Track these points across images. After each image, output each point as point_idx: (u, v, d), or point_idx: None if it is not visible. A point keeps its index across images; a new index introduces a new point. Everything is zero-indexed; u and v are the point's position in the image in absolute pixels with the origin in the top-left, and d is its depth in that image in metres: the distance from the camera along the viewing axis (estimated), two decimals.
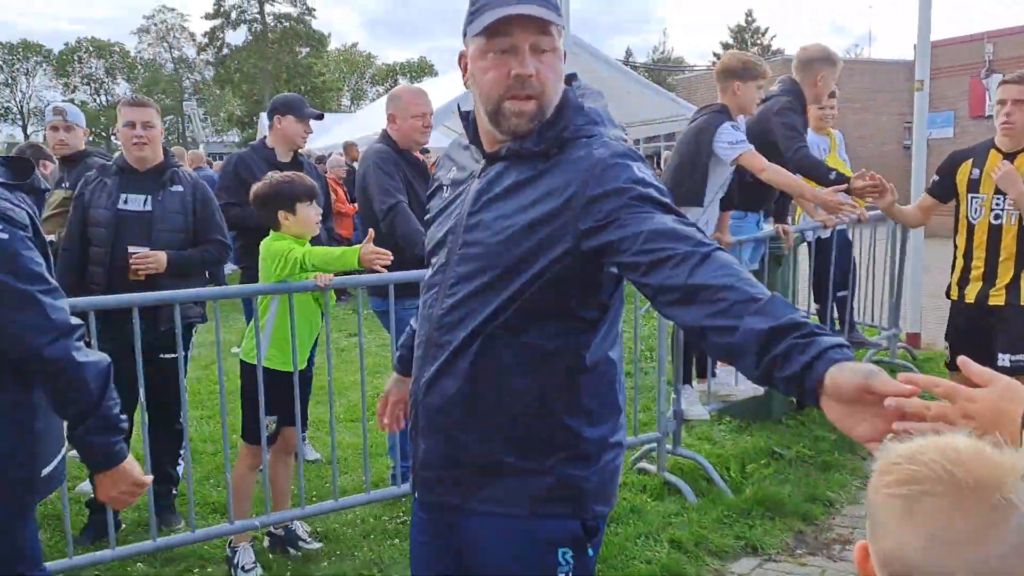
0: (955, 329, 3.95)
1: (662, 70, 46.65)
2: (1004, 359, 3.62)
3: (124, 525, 3.74)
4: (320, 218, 3.42)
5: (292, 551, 3.49)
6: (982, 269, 3.75)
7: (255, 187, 3.37)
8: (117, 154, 3.92)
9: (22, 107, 57.54)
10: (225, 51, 55.63)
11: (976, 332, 3.77)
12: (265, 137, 4.52)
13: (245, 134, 50.80)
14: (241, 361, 3.39)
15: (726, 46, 54.01)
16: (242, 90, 54.59)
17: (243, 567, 3.31)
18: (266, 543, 3.55)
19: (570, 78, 1.69)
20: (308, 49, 56.55)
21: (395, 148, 3.96)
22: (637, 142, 15.01)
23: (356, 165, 10.45)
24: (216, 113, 59.23)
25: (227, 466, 3.39)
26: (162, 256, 3.59)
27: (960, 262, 3.87)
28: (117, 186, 3.67)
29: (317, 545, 3.52)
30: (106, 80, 60.00)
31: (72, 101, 53.89)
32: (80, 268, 3.70)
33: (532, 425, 1.59)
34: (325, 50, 58.82)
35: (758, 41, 54.07)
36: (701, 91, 22.36)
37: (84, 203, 3.71)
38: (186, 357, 3.67)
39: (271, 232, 3.34)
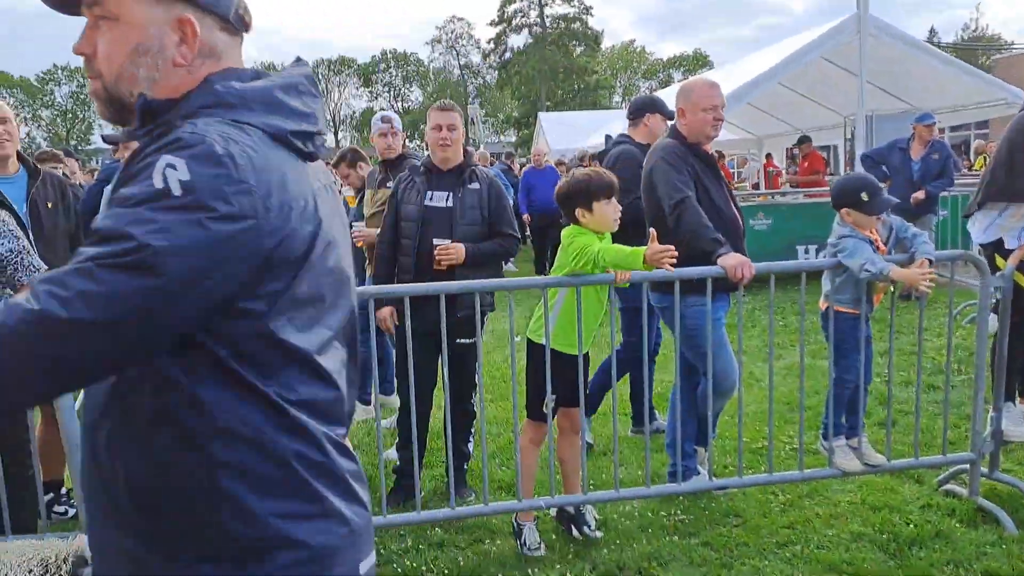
0: None
1: (974, 48, 41.50)
2: None
3: (423, 493, 4.10)
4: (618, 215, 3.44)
5: (576, 532, 3.61)
6: None
7: (560, 183, 3.52)
8: (425, 155, 4.29)
9: (334, 115, 65.11)
10: (507, 55, 58.71)
11: None
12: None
13: (521, 134, 53.24)
14: (528, 340, 3.56)
15: None
16: (520, 92, 57.26)
17: (529, 546, 3.49)
18: (553, 512, 3.70)
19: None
20: (583, 48, 57.93)
21: (684, 142, 3.92)
22: (942, 130, 13.51)
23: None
24: (495, 115, 62.67)
25: (516, 446, 3.58)
26: (462, 248, 3.88)
27: None
28: (425, 184, 4.03)
29: (600, 534, 3.61)
30: (403, 88, 65.99)
31: (372, 108, 59.87)
32: (392, 259, 4.12)
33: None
34: (599, 48, 59.87)
35: None
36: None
37: (397, 201, 4.12)
38: (477, 343, 3.93)
39: (572, 224, 3.47)
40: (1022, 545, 3.34)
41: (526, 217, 11.91)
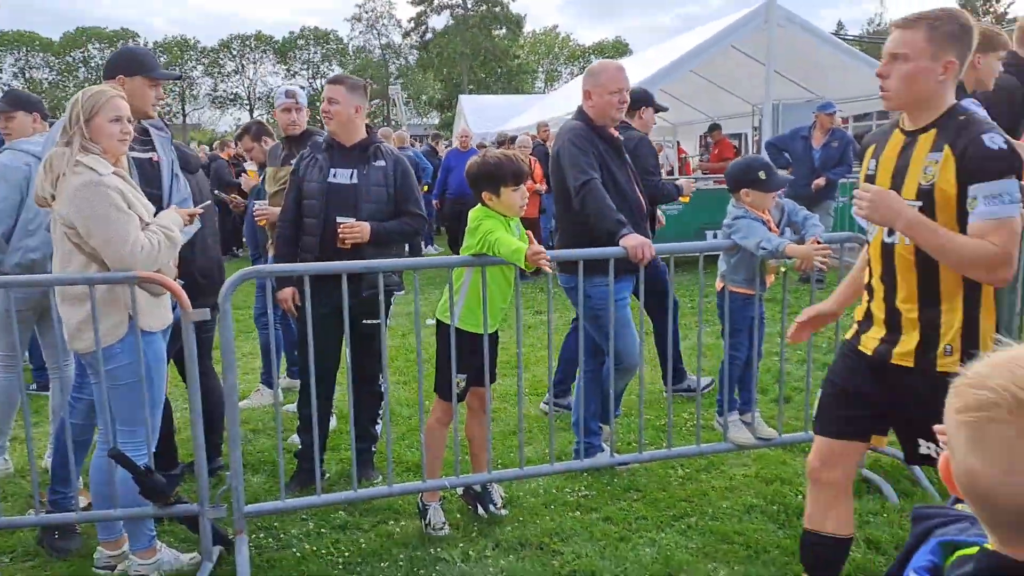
0: (833, 386, 2.62)
1: (878, 42, 43.24)
2: (928, 448, 2.43)
3: (328, 475, 4.06)
4: (524, 201, 3.44)
5: (482, 511, 3.63)
6: (883, 313, 2.48)
7: (471, 162, 3.48)
8: (326, 132, 4.19)
9: (249, 92, 63.25)
10: (428, 36, 58.13)
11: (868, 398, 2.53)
12: None
13: (444, 116, 52.89)
14: (437, 321, 3.55)
15: None
16: (442, 74, 56.84)
17: (433, 526, 3.49)
18: (459, 492, 3.72)
19: None
20: (505, 31, 57.85)
21: (590, 124, 3.95)
22: (846, 120, 14.03)
23: (548, 145, 10.60)
24: (418, 96, 62.05)
25: (421, 428, 3.57)
26: (367, 226, 3.81)
27: (864, 296, 2.61)
28: (327, 161, 3.95)
29: (505, 512, 3.64)
30: (322, 66, 64.55)
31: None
32: (294, 239, 4.00)
33: None
34: (521, 32, 59.89)
35: (991, 8, 48.72)
36: None
37: (299, 178, 4.01)
38: (383, 323, 3.90)
39: (479, 205, 3.45)
40: (902, 514, 3.53)
41: (436, 203, 11.54)
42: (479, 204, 3.43)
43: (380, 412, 4.23)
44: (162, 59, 56.44)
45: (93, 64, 55.86)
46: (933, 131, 2.33)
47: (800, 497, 3.69)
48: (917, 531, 1.11)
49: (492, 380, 3.56)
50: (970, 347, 2.32)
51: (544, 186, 9.68)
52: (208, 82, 62.53)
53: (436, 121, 56.30)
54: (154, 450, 3.12)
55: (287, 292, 3.98)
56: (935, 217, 2.29)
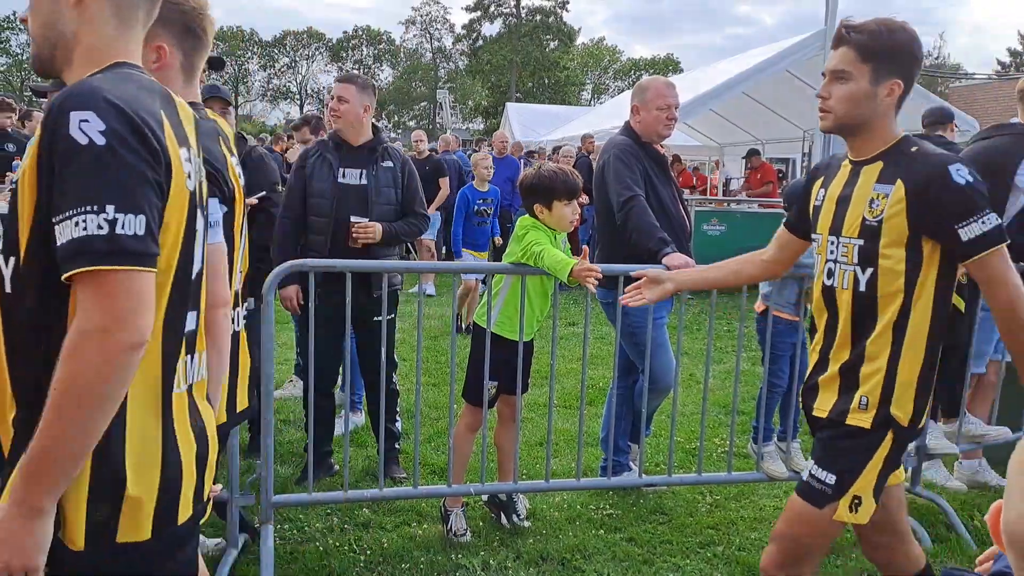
0: None
1: (935, 75, 42.56)
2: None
3: (334, 469, 4.07)
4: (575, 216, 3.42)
5: (505, 521, 3.61)
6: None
7: (526, 173, 3.47)
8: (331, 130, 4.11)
9: (301, 88, 64.13)
10: (479, 43, 58.45)
11: None
12: None
13: (489, 123, 53.10)
14: (474, 323, 3.55)
15: (1014, 54, 48.25)
16: (490, 81, 57.09)
17: (455, 532, 3.48)
18: (484, 499, 3.70)
19: None
20: (556, 43, 57.97)
21: (637, 140, 3.92)
22: None
23: (592, 158, 10.58)
24: (464, 102, 62.40)
25: (450, 432, 3.56)
26: (378, 227, 3.83)
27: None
28: (337, 160, 3.92)
29: (528, 523, 3.61)
30: (373, 66, 65.24)
31: None
32: (297, 235, 3.94)
33: None
34: (573, 44, 59.97)
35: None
36: (981, 101, 20.15)
37: (306, 175, 3.93)
38: (393, 320, 3.91)
39: (528, 215, 3.45)
40: (936, 559, 3.43)
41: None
42: (528, 215, 3.43)
43: (398, 409, 4.25)
44: (218, 48, 57.64)
45: None
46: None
47: None
48: None
49: (524, 390, 3.54)
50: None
51: (585, 198, 9.65)
52: (261, 75, 63.54)
53: (481, 127, 56.53)
54: None
55: (291, 291, 3.95)
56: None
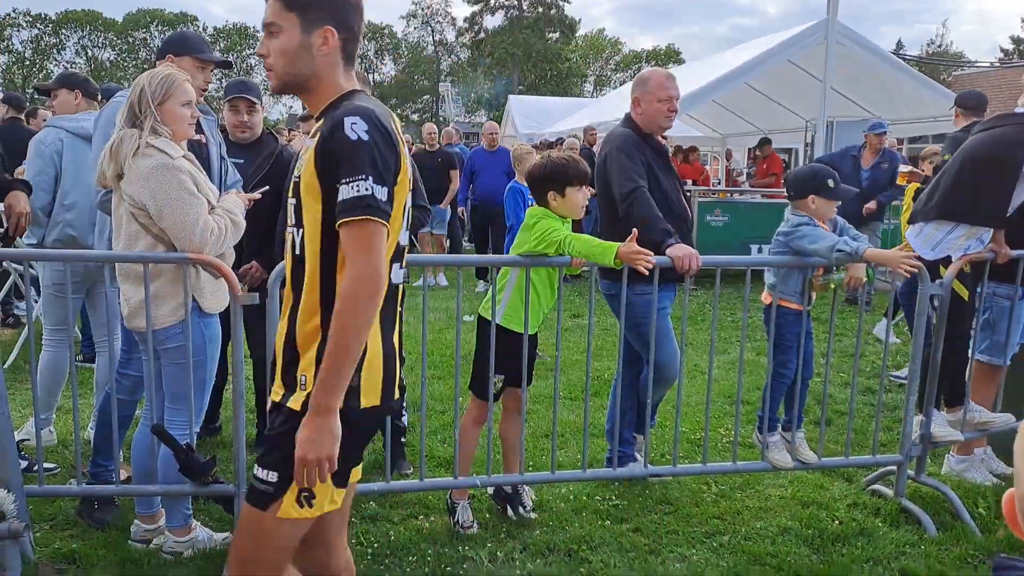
0: None
1: (937, 63, 42.36)
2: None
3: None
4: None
5: (511, 513, 3.63)
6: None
7: (536, 163, 3.47)
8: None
9: None
10: (481, 35, 58.30)
11: None
12: None
13: (492, 115, 53.05)
14: (479, 317, 3.56)
15: (1016, 41, 48.02)
16: (492, 73, 56.99)
17: (462, 524, 3.50)
18: (490, 491, 3.72)
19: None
20: (558, 35, 57.83)
21: (638, 132, 3.93)
22: (901, 141, 13.75)
23: (595, 150, 10.55)
24: (467, 95, 62.31)
25: (456, 425, 3.58)
26: None
27: None
28: None
29: (534, 515, 3.63)
30: (375, 60, 65.11)
31: None
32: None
33: None
34: (574, 36, 59.82)
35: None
36: (983, 89, 19.97)
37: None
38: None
39: (537, 205, 3.46)
40: (940, 547, 3.45)
41: (461, 210, 9.99)
42: (536, 204, 3.45)
43: (404, 403, 4.26)
44: (220, 45, 57.47)
45: (153, 46, 56.93)
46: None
47: (836, 523, 3.63)
48: None
49: (528, 382, 3.55)
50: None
51: (591, 189, 9.64)
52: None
53: (483, 119, 56.46)
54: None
55: None
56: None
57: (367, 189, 1.78)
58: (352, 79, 2.00)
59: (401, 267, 2.02)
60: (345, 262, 1.82)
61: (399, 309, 2.07)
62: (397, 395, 2.00)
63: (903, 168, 7.03)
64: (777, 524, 3.62)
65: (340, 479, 1.93)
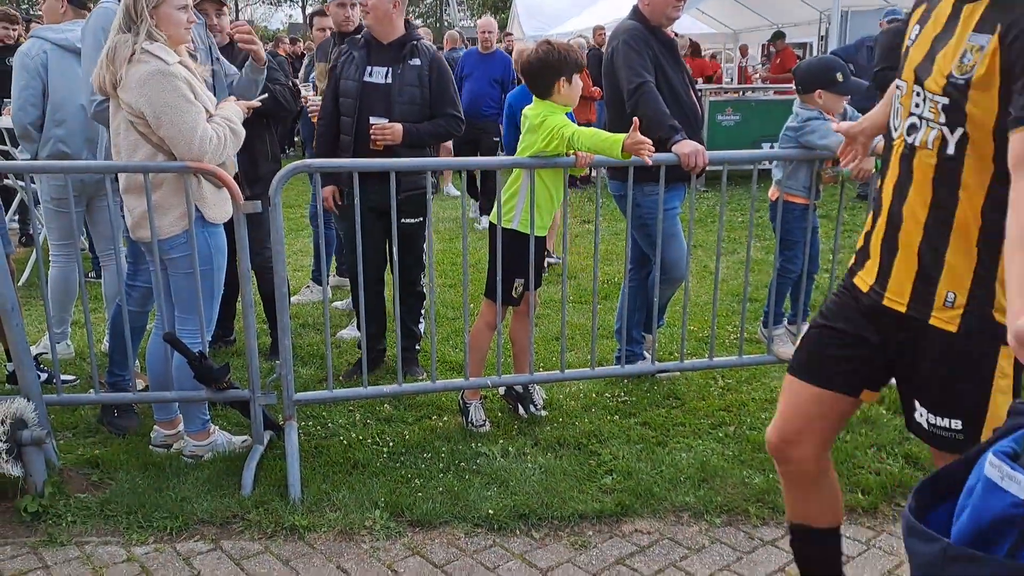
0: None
1: None
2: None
3: (375, 370, 4.16)
4: None
5: (522, 411, 3.70)
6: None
7: (534, 52, 3.38)
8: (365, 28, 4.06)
9: None
10: None
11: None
12: None
13: (499, 18, 51.52)
14: (490, 224, 3.55)
15: None
16: None
17: (474, 423, 3.58)
18: (501, 391, 3.80)
19: None
20: None
21: (646, 25, 3.81)
22: None
23: (604, 50, 10.26)
24: None
25: (466, 330, 3.61)
26: (399, 128, 3.76)
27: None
28: (364, 59, 3.87)
29: (544, 412, 3.71)
30: None
31: None
32: (333, 136, 4.00)
33: None
34: None
35: None
36: None
37: (336, 75, 3.98)
38: (421, 223, 3.91)
39: (536, 101, 3.38)
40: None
41: None
42: (536, 100, 3.37)
43: (423, 312, 4.29)
44: None
45: None
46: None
47: None
48: (1010, 423, 1.11)
49: (537, 285, 3.56)
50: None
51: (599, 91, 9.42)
52: None
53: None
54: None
55: (328, 190, 4.02)
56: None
57: None
58: None
59: None
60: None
61: None
62: None
63: None
64: None
65: None
